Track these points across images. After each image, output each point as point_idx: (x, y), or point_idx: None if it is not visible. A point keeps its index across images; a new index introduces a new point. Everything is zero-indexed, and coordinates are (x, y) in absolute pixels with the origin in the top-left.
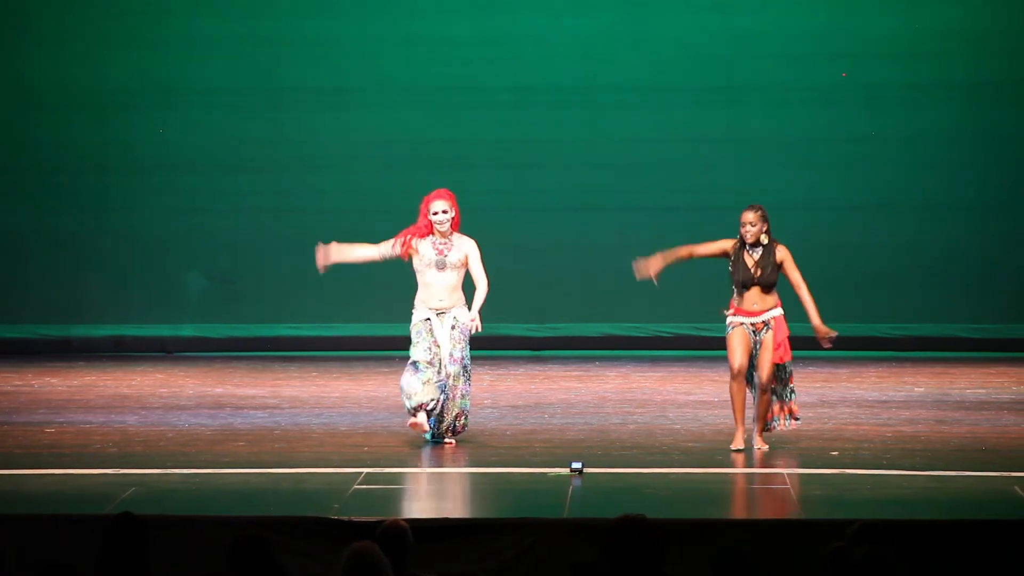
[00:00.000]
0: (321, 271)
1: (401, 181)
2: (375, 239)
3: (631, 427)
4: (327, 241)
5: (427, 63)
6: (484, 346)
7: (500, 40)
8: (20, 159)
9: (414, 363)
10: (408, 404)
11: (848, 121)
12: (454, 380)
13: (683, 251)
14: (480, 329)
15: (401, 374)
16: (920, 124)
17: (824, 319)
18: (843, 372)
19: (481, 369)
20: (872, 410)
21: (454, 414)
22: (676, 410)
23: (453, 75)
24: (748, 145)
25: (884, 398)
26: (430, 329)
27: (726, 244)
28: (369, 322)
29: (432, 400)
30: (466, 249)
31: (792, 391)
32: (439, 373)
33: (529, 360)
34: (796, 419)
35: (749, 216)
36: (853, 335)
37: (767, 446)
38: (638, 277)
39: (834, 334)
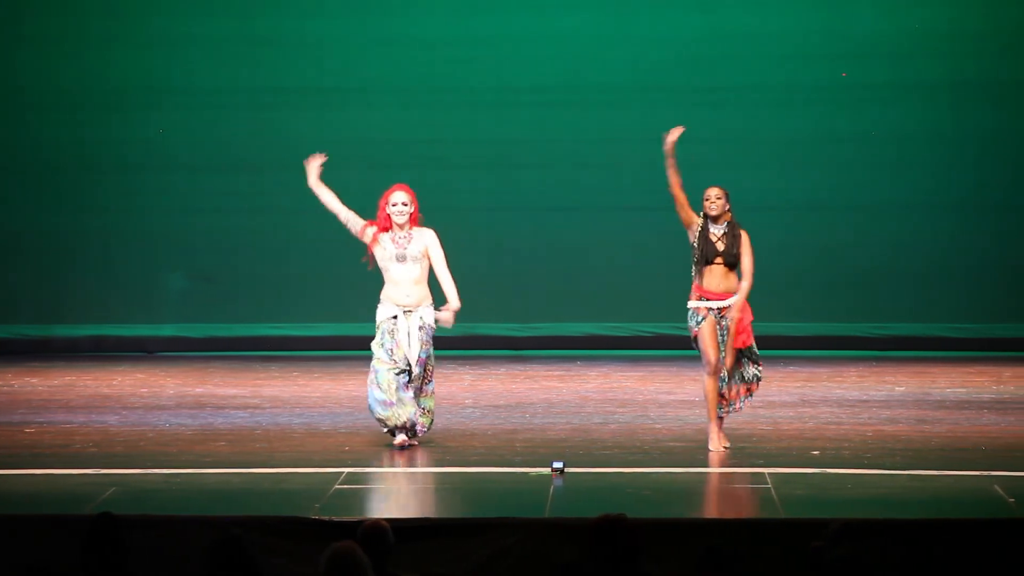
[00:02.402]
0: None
1: (384, 181)
2: (353, 238)
3: (612, 426)
4: (308, 240)
5: (411, 63)
6: (465, 346)
7: (484, 40)
8: (0, 159)
9: (374, 369)
10: (383, 427)
11: (832, 121)
12: (415, 380)
13: (676, 178)
14: (424, 315)
15: (368, 377)
16: (902, 125)
17: (806, 318)
18: (824, 371)
19: (462, 369)
20: (853, 409)
21: (413, 410)
22: (658, 409)
23: (437, 75)
24: (732, 145)
25: (865, 397)
26: (392, 330)
27: (694, 216)
28: (350, 322)
29: (405, 419)
30: (426, 241)
31: (757, 375)
32: (399, 375)
33: (510, 360)
34: (750, 396)
35: (714, 191)
36: (834, 334)
37: (728, 443)
38: (665, 137)
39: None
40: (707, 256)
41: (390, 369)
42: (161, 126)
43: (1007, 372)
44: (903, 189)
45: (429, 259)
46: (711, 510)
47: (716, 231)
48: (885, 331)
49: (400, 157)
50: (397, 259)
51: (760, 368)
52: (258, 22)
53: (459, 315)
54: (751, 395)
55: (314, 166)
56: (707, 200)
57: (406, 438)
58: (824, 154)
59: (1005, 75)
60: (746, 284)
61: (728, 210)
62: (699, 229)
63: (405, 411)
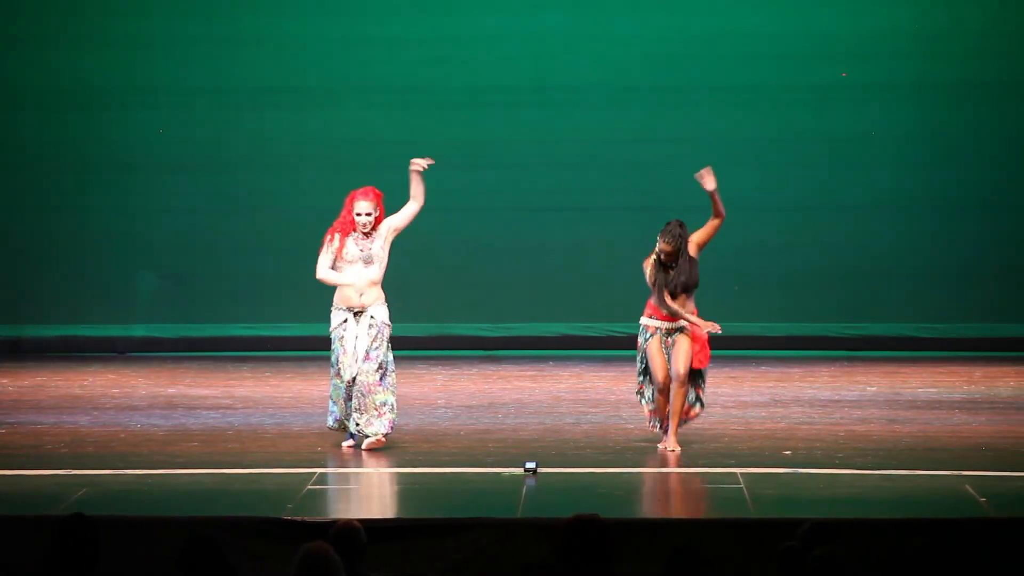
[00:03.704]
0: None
1: (354, 181)
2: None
3: (585, 427)
4: (280, 240)
5: (380, 63)
6: (437, 346)
7: (453, 40)
8: None
9: (331, 379)
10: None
11: (795, 121)
12: (368, 376)
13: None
14: (376, 312)
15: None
16: (869, 124)
17: (777, 318)
18: (796, 371)
19: (434, 369)
20: (824, 409)
21: (372, 408)
22: (630, 410)
23: (406, 75)
24: (700, 145)
25: (836, 397)
26: (341, 336)
27: (646, 266)
28: (322, 322)
29: (348, 429)
30: (383, 231)
31: (700, 401)
32: (346, 387)
33: (483, 360)
34: (686, 420)
35: (667, 248)
36: (806, 335)
37: (679, 448)
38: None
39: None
40: (670, 291)
41: (336, 382)
42: (126, 126)
43: (978, 372)
44: (873, 190)
45: (400, 224)
46: (683, 510)
47: (671, 266)
48: (857, 331)
49: (367, 157)
50: (364, 262)
51: (702, 396)
52: (224, 22)
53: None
54: (687, 420)
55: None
56: (663, 253)
57: (352, 443)
58: (790, 154)
59: (964, 76)
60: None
61: (683, 244)
62: (653, 269)
63: (350, 425)
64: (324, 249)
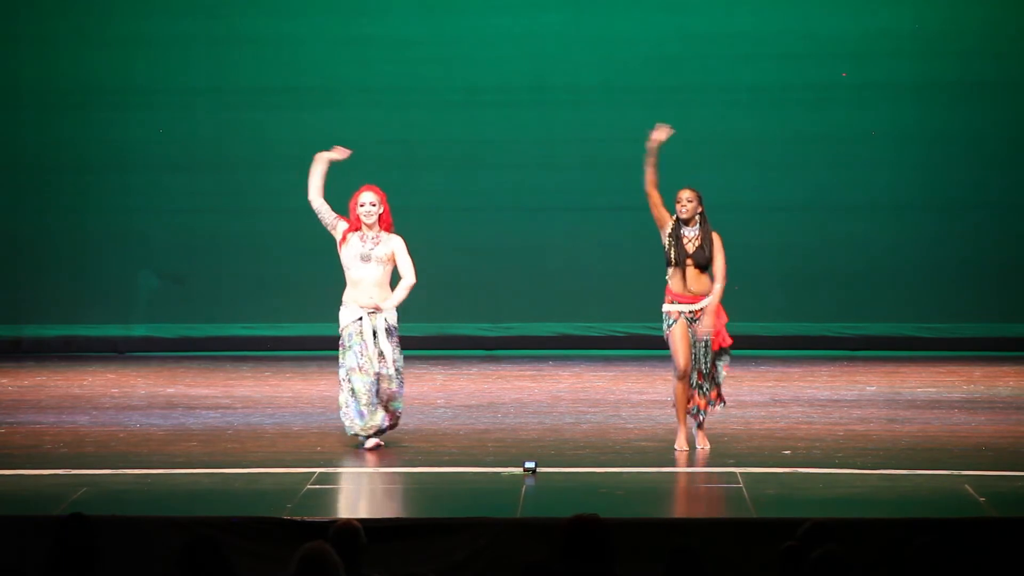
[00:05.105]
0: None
1: (354, 181)
2: (326, 238)
3: (584, 426)
4: (280, 240)
5: (379, 62)
6: (437, 346)
7: (452, 40)
8: None
9: (348, 378)
10: (354, 432)
11: (795, 121)
12: (387, 383)
13: (653, 176)
14: (388, 316)
15: (338, 386)
16: (869, 124)
17: (777, 318)
18: (795, 371)
19: (434, 369)
20: (824, 409)
21: (383, 414)
22: (629, 409)
23: (405, 75)
24: (698, 145)
25: (836, 397)
26: (359, 331)
27: (667, 216)
28: (322, 321)
29: (376, 423)
30: (393, 245)
31: (721, 377)
32: (371, 378)
33: (482, 360)
34: (723, 402)
35: (686, 194)
36: (806, 334)
37: (709, 445)
38: (651, 134)
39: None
40: (678, 259)
41: (362, 376)
42: (126, 126)
43: (977, 371)
44: (872, 190)
45: (394, 263)
46: (683, 510)
47: (688, 233)
48: (856, 331)
49: (366, 157)
50: (362, 259)
51: (724, 371)
52: (224, 22)
53: (401, 311)
54: (723, 402)
55: (334, 154)
56: (679, 203)
57: (378, 440)
58: (788, 153)
59: (962, 76)
60: (718, 287)
61: (701, 212)
62: (671, 231)
63: (378, 417)
64: (332, 212)
